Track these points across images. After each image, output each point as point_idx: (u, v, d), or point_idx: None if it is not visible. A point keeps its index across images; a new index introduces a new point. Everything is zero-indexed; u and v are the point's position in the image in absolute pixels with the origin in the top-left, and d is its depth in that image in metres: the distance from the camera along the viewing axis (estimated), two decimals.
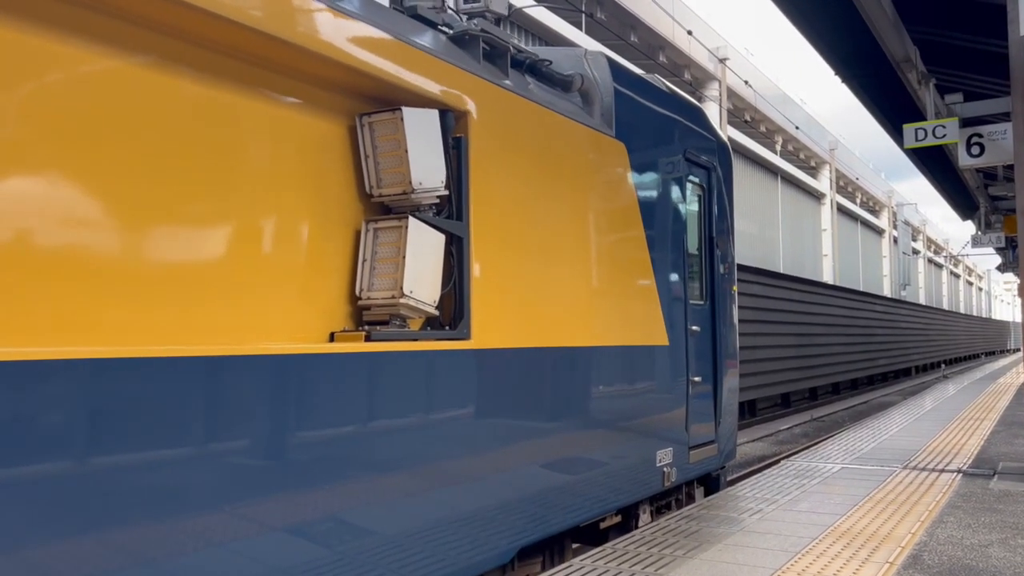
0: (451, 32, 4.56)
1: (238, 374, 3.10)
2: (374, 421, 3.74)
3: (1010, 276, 45.55)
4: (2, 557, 2.40)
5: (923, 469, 7.93)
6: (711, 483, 7.43)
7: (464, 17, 4.39)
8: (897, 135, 12.38)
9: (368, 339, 3.72)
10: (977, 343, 55.66)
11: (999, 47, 9.03)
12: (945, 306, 67.87)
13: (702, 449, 6.92)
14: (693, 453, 6.74)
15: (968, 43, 10.90)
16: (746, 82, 30.24)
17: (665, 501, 6.70)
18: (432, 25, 4.48)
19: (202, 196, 3.19)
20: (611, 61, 5.97)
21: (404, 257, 3.85)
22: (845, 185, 49.29)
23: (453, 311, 4.28)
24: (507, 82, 4.77)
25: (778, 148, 38.23)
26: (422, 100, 4.07)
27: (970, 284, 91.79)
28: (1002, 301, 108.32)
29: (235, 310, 3.31)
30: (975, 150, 9.63)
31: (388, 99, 4.01)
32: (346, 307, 3.92)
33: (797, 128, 37.02)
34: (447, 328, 4.27)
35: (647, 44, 26.38)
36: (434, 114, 4.12)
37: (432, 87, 4.10)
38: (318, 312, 3.75)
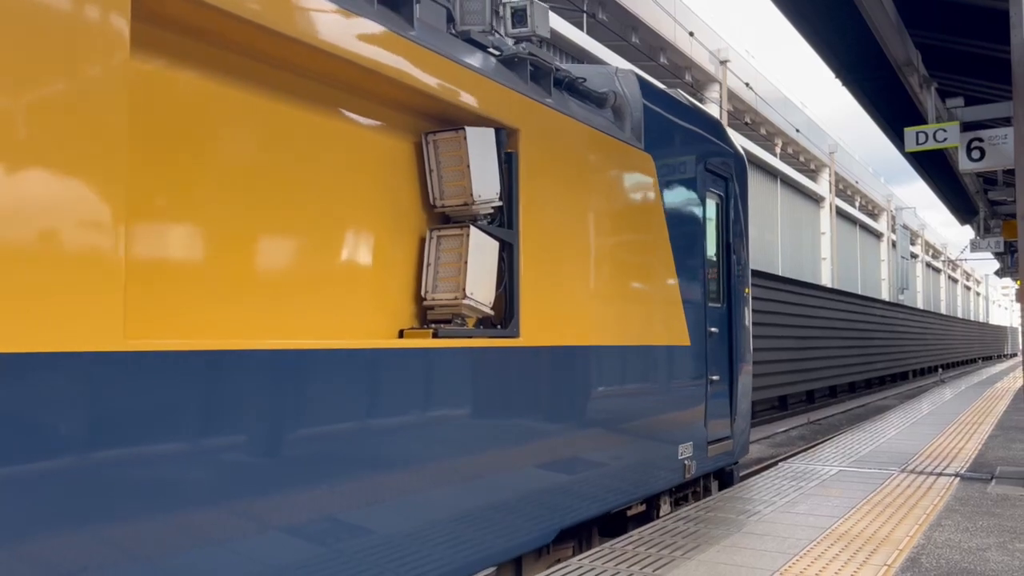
0: (501, 55, 4.94)
1: (325, 366, 3.51)
2: (439, 410, 4.16)
3: (1008, 281, 45.61)
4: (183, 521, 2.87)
5: (921, 473, 7.93)
6: (725, 477, 7.75)
7: (512, 41, 4.62)
8: (897, 139, 12.39)
9: (435, 336, 4.16)
10: (974, 348, 55.72)
11: (1001, 52, 9.03)
12: (943, 310, 67.95)
13: (719, 444, 7.28)
14: (711, 448, 7.10)
15: (970, 47, 10.90)
16: (747, 84, 30.26)
17: (683, 493, 7.02)
18: (483, 48, 4.82)
19: (296, 210, 3.66)
20: (640, 78, 6.38)
21: (466, 262, 4.28)
22: (844, 188, 49.35)
23: (504, 311, 4.69)
24: (550, 100, 5.15)
25: (778, 151, 38.26)
26: (479, 119, 4.50)
27: (968, 289, 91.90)
28: (999, 306, 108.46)
29: (319, 310, 3.76)
30: (975, 154, 9.64)
31: (449, 118, 4.42)
32: (412, 307, 4.34)
33: (797, 131, 37.06)
34: (498, 327, 4.68)
35: (648, 45, 26.38)
36: (491, 132, 4.53)
37: (488, 107, 4.52)
38: (388, 311, 4.19)
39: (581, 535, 5.70)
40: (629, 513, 6.17)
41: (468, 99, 4.37)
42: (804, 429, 18.29)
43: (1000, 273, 31.25)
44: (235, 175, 3.40)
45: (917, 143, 9.43)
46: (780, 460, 9.34)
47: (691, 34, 25.95)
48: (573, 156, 5.28)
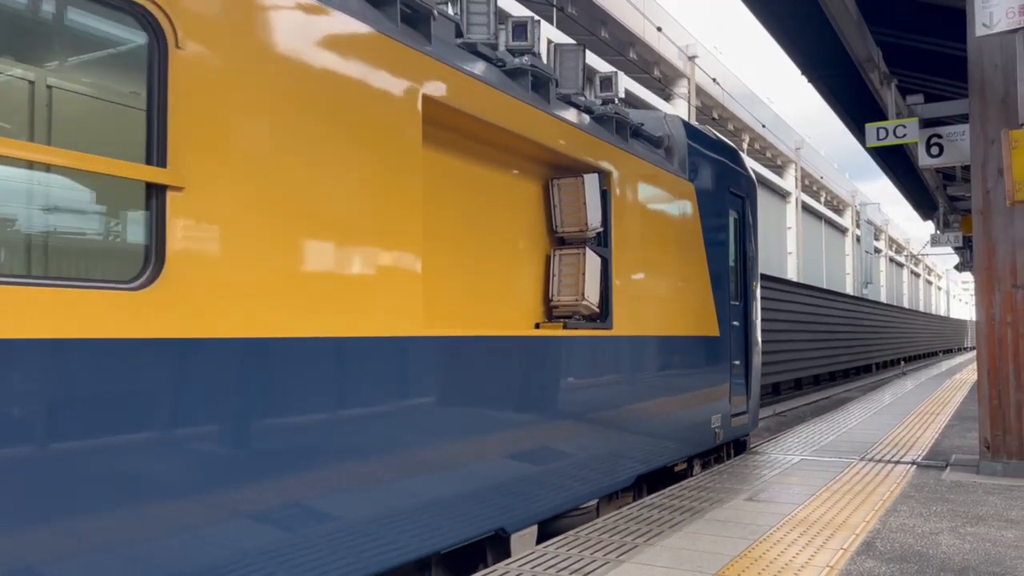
0: (594, 114, 6.35)
1: (494, 348, 4.96)
2: (566, 380, 5.73)
3: (967, 275, 46.59)
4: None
5: (879, 461, 8.12)
6: (739, 446, 9.21)
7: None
8: (860, 134, 12.61)
9: (564, 327, 5.71)
10: (935, 341, 56.80)
11: (958, 50, 9.24)
12: (905, 304, 69.21)
13: (739, 418, 8.84)
14: (733, 420, 8.63)
15: (929, 45, 11.13)
16: (714, 80, 30.52)
17: (709, 457, 8.43)
18: (588, 111, 6.31)
19: (486, 235, 5.28)
20: (684, 121, 8.10)
21: (583, 274, 5.80)
22: (810, 184, 50.02)
23: (602, 309, 6.12)
24: (627, 146, 6.63)
25: (745, 146, 38.66)
26: (588, 167, 5.97)
27: (929, 283, 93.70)
28: (960, 300, 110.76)
29: (498, 307, 5.36)
30: (934, 150, 9.84)
31: (568, 167, 5.91)
32: (540, 306, 5.87)
33: (764, 127, 37.47)
34: (598, 321, 6.09)
35: (617, 40, 26.51)
36: (596, 177, 6.00)
37: (593, 158, 6.00)
38: (527, 310, 5.74)
39: (639, 486, 7.01)
40: (677, 469, 7.65)
41: (583, 154, 5.89)
42: (769, 421, 18.55)
43: (960, 268, 31.91)
44: (462, 215, 5.03)
45: (878, 139, 9.61)
46: (745, 451, 9.51)
47: (659, 29, 26.12)
48: (643, 188, 6.82)
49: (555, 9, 21.14)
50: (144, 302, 2.84)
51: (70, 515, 2.65)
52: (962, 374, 25.04)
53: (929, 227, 24.83)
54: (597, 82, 6.69)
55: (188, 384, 3.02)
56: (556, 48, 6.11)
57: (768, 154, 42.29)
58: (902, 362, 38.86)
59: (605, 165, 6.13)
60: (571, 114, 5.94)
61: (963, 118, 9.25)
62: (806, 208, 47.61)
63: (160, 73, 2.96)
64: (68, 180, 2.95)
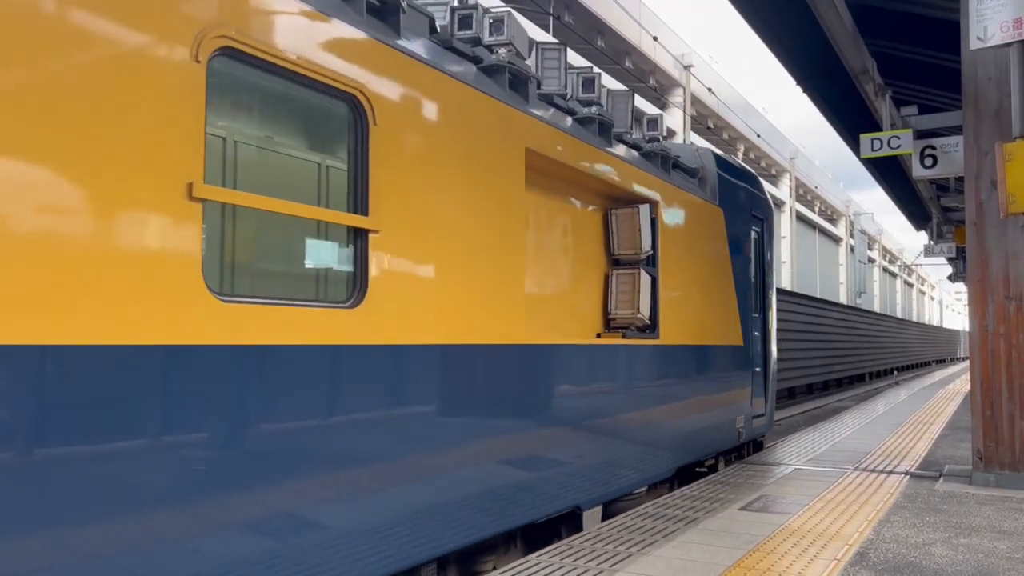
0: (642, 150, 7.34)
1: (566, 356, 5.88)
2: (624, 383, 6.72)
3: (960, 286, 46.75)
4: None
5: (873, 471, 8.13)
6: (756, 445, 10.12)
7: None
8: (855, 145, 12.66)
9: (623, 337, 6.70)
10: (928, 351, 56.94)
11: (952, 62, 9.30)
12: (898, 314, 69.39)
13: (758, 419, 9.76)
14: (754, 421, 9.55)
15: (923, 57, 11.20)
16: (709, 89, 30.63)
17: (728, 456, 9.27)
18: (636, 148, 7.29)
19: (553, 258, 6.17)
20: (714, 153, 9.17)
21: (638, 291, 6.70)
22: (804, 194, 50.18)
23: (650, 321, 7.02)
24: (670, 178, 7.63)
25: (740, 155, 38.79)
26: (640, 199, 6.94)
27: (923, 293, 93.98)
28: (953, 310, 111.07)
29: (567, 320, 6.31)
30: (928, 161, 9.89)
31: (624, 199, 6.90)
32: (599, 319, 6.74)
33: (758, 136, 37.60)
34: (647, 332, 7.01)
35: (613, 49, 26.60)
36: (648, 207, 6.95)
37: (646, 192, 7.01)
38: (589, 322, 6.62)
39: (672, 480, 7.84)
40: (707, 463, 8.63)
41: (639, 188, 6.89)
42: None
43: (953, 278, 32.01)
44: (540, 241, 5.95)
45: (872, 149, 9.65)
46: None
47: (655, 38, 26.22)
48: (684, 215, 7.77)
49: (552, 18, 21.21)
50: (355, 317, 3.84)
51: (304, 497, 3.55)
52: (955, 384, 25.10)
53: (922, 237, 24.94)
54: (645, 122, 7.75)
55: (382, 380, 4.08)
56: (609, 93, 7.06)
57: (763, 163, 42.43)
58: (895, 372, 38.92)
59: (654, 196, 7.14)
60: (626, 152, 6.97)
61: (957, 130, 9.30)
62: (800, 217, 47.76)
63: (363, 142, 3.96)
64: (305, 227, 3.90)
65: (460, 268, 4.62)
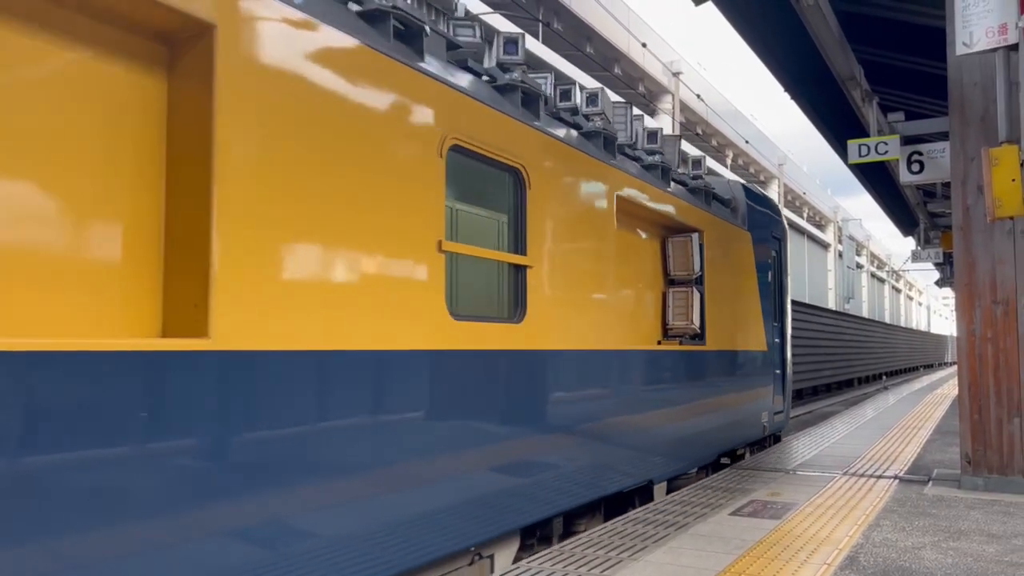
0: (688, 187, 8.55)
1: (651, 359, 7.36)
2: (682, 381, 7.93)
3: (948, 291, 47.02)
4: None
5: (862, 475, 8.15)
6: (775, 438, 11.41)
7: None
8: (843, 151, 12.73)
9: (680, 344, 8.10)
10: (916, 356, 57.22)
11: (938, 69, 9.37)
12: (887, 320, 69.72)
13: (778, 415, 11.19)
14: (775, 417, 10.98)
15: (909, 64, 11.28)
16: (698, 96, 30.75)
17: (753, 446, 10.56)
18: (683, 184, 8.54)
19: (624, 279, 7.22)
20: (742, 184, 10.67)
21: (692, 306, 8.10)
22: (793, 200, 50.43)
23: (700, 330, 8.32)
24: (711, 209, 8.95)
25: (728, 162, 38.95)
26: (690, 228, 8.23)
27: (910, 298, 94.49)
28: (940, 315, 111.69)
29: (630, 329, 7.45)
30: (915, 167, 9.96)
31: (678, 229, 8.20)
32: (658, 329, 8.13)
33: (747, 143, 37.77)
34: (697, 339, 8.34)
35: (603, 56, 26.68)
36: (697, 235, 8.21)
37: (695, 223, 8.31)
38: (651, 332, 7.98)
39: (708, 467, 9.19)
40: (738, 452, 10.02)
41: (689, 220, 8.21)
42: None
43: (940, 283, 32.17)
44: (626, 268, 7.24)
45: (860, 155, 9.71)
46: (727, 465, 9.51)
47: (644, 45, 26.33)
48: (721, 239, 9.08)
49: (541, 24, 21.26)
50: (519, 330, 5.28)
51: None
52: (943, 389, 25.23)
53: (910, 243, 25.10)
54: (690, 162, 9.04)
55: (539, 375, 5.54)
56: (663, 138, 8.16)
57: (751, 170, 42.62)
58: (884, 377, 39.09)
59: (700, 226, 8.44)
60: (679, 190, 8.26)
61: (943, 135, 9.37)
62: (789, 223, 47.89)
63: (521, 201, 5.45)
64: (493, 266, 5.38)
65: (581, 291, 6.08)
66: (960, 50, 4.54)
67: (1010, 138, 4.33)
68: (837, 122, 13.90)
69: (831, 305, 53.30)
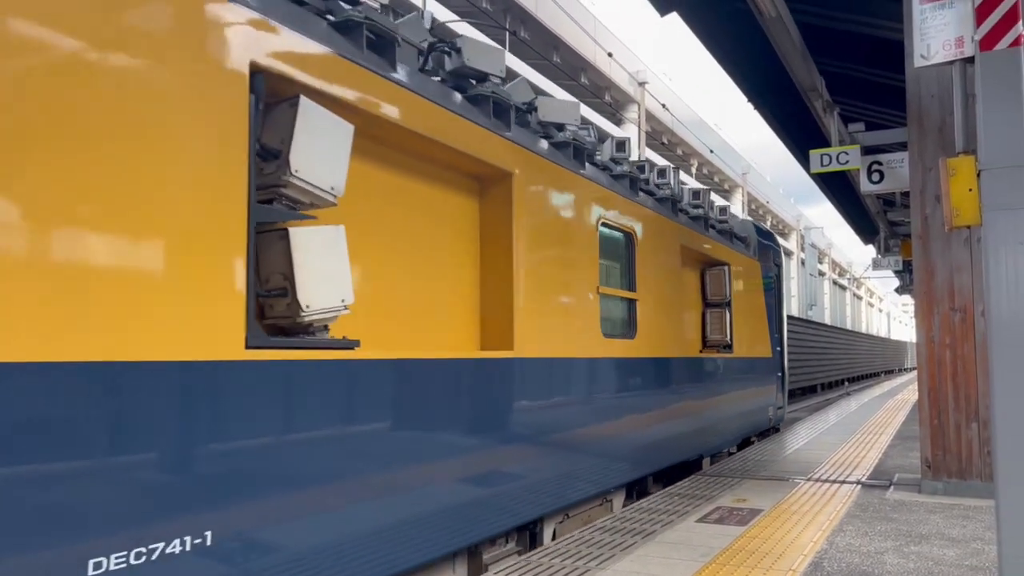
0: (716, 229, 10.75)
1: (708, 363, 10.09)
2: (718, 380, 10.25)
3: (907, 298, 47.88)
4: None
5: (826, 481, 8.25)
6: (775, 429, 14.01)
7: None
8: (804, 160, 12.93)
9: (718, 352, 10.45)
10: (877, 362, 58.15)
11: (897, 80, 9.55)
12: (848, 326, 70.81)
13: (779, 410, 13.92)
14: (777, 411, 13.68)
15: (869, 75, 11.49)
16: (664, 106, 31.04)
17: (761, 435, 13.24)
18: (712, 226, 10.71)
19: (673, 301, 8.93)
20: (752, 222, 13.18)
21: (725, 324, 10.43)
22: (756, 208, 51.09)
23: (729, 342, 10.70)
24: (733, 245, 11.25)
25: (693, 171, 39.34)
26: (721, 262, 10.51)
27: (871, 305, 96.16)
28: (900, 322, 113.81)
29: (678, 341, 9.09)
30: (875, 177, 10.14)
31: (713, 262, 10.46)
32: (698, 341, 10.22)
33: (712, 152, 38.19)
34: (727, 349, 10.72)
35: (569, 65, 26.80)
36: (727, 267, 10.58)
37: (724, 257, 10.56)
38: (696, 343, 10.12)
39: (720, 453, 11.04)
40: (752, 439, 12.74)
41: (720, 256, 10.51)
42: None
43: (900, 290, 32.76)
44: (684, 295, 9.52)
45: (822, 165, 9.86)
46: (694, 472, 9.57)
47: (610, 55, 26.51)
48: (741, 269, 11.55)
49: (508, 33, 21.32)
50: (633, 344, 7.60)
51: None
52: (903, 394, 25.67)
53: (870, 251, 25.55)
54: (717, 210, 11.11)
55: (648, 376, 7.95)
56: (703, 193, 10.31)
57: (716, 179, 43.10)
58: (846, 383, 39.64)
59: (728, 260, 10.85)
60: (713, 233, 10.60)
61: (902, 146, 9.54)
62: None
63: (632, 254, 7.78)
64: (618, 301, 7.67)
65: (666, 315, 8.61)
66: (918, 62, 4.63)
67: (967, 149, 4.42)
68: (799, 132, 14.10)
69: (794, 312, 53.99)
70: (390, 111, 4.46)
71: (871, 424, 14.78)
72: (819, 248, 61.10)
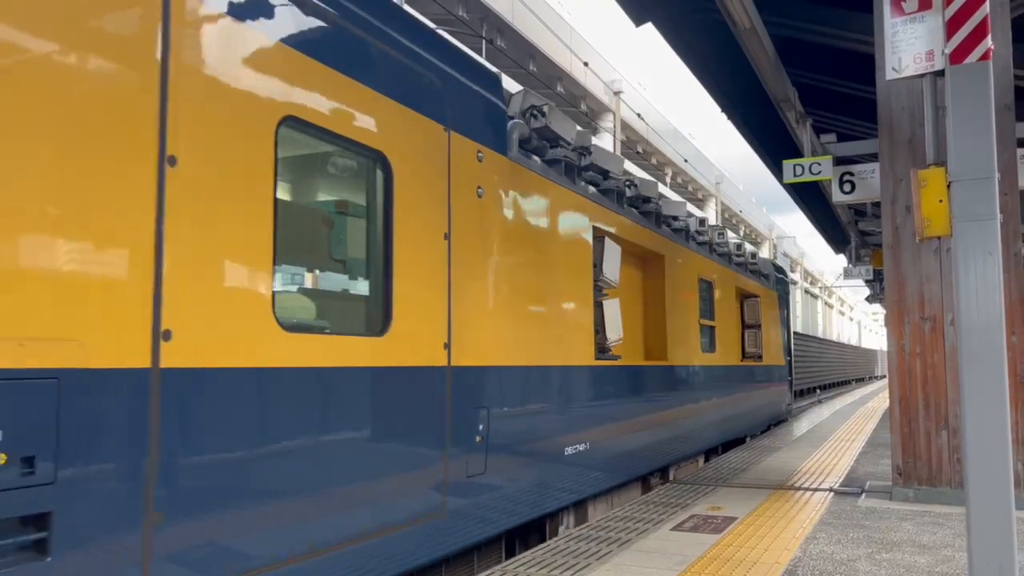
0: (751, 269, 14.51)
1: (746, 370, 14.14)
2: (754, 381, 14.55)
3: (877, 307, 48.49)
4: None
5: (799, 488, 8.31)
6: (783, 421, 17.72)
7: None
8: (777, 171, 13.07)
9: (754, 360, 14.54)
10: (849, 370, 58.74)
11: (868, 93, 9.69)
12: (820, 335, 71.56)
13: (789, 405, 18.12)
14: (788, 406, 17.87)
15: (841, 87, 11.65)
16: (639, 115, 31.24)
17: (777, 423, 17.01)
18: (743, 266, 14.18)
19: (722, 322, 12.61)
20: (770, 260, 16.99)
21: (758, 340, 14.51)
22: (730, 218, 51.51)
23: (760, 352, 14.79)
24: (759, 280, 15.01)
25: (667, 180, 39.61)
26: (754, 294, 14.58)
27: (842, 314, 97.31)
28: (870, 331, 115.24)
29: (731, 353, 13.24)
30: (847, 187, 10.27)
31: (749, 295, 14.43)
32: (739, 351, 13.77)
33: (686, 161, 38.48)
34: (759, 358, 14.71)
35: (545, 74, 26.89)
36: (758, 298, 14.62)
37: (756, 290, 14.63)
38: (736, 353, 13.46)
39: (743, 441, 14.31)
40: (773, 426, 16.42)
41: (754, 290, 14.49)
42: None
43: (870, 299, 33.17)
44: (731, 319, 13.33)
45: (794, 175, 9.97)
46: (667, 481, 9.59)
47: (586, 64, 26.64)
48: (766, 298, 15.24)
49: (484, 42, 21.36)
50: (711, 356, 11.80)
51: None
52: (874, 402, 25.96)
53: (842, 260, 25.92)
54: (749, 255, 14.38)
55: (724, 379, 12.53)
56: (742, 244, 13.94)
57: (690, 188, 43.43)
58: (818, 391, 40.02)
59: (758, 293, 14.64)
60: (749, 273, 14.18)
61: (873, 157, 9.67)
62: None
63: (712, 295, 11.93)
64: (704, 329, 11.70)
65: (728, 335, 12.40)
66: (890, 75, 4.70)
67: (937, 161, 4.49)
68: (772, 142, 14.27)
69: None
70: (629, 234, 8.50)
71: (842, 431, 14.93)
72: (791, 257, 61.74)
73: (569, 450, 6.52)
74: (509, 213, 5.76)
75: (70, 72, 2.90)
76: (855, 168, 10.35)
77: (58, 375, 2.80)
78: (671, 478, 9.95)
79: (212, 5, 3.50)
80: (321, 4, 4.14)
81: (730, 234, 13.98)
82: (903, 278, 7.63)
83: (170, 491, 3.18)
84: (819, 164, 9.91)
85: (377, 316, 4.49)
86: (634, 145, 34.65)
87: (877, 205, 13.45)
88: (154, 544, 3.10)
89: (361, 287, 4.69)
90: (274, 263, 3.72)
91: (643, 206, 9.18)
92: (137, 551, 3.04)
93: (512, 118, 6.12)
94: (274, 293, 3.71)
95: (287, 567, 3.68)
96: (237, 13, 3.64)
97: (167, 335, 3.19)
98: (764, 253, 59.20)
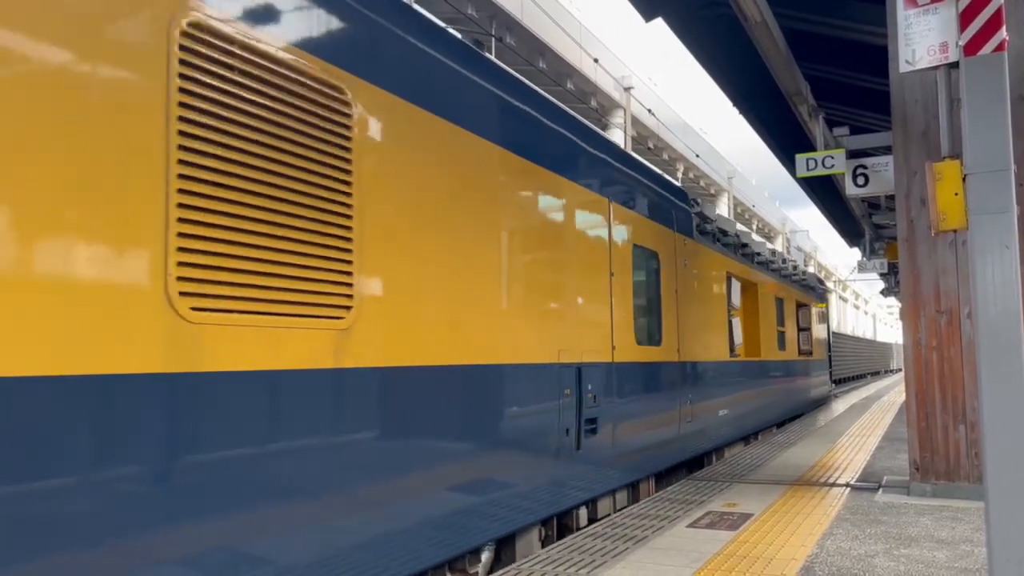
0: (802, 280, 18.82)
1: (805, 364, 18.82)
2: (805, 372, 18.81)
3: (892, 300, 48.16)
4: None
5: (815, 484, 8.27)
6: (826, 402, 22.73)
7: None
8: (790, 164, 12.99)
9: (808, 357, 19.19)
10: (864, 363, 58.34)
11: (881, 85, 9.62)
12: (834, 328, 71.03)
13: (830, 389, 23.98)
14: (829, 390, 23.69)
15: (854, 80, 11.57)
16: (649, 111, 31.13)
17: (820, 406, 21.45)
18: (782, 275, 16.76)
19: (795, 328, 17.90)
20: (815, 275, 21.95)
21: (811, 339, 19.57)
22: (742, 212, 51.28)
23: (811, 349, 19.56)
24: (807, 291, 19.32)
25: (679, 175, 39.47)
26: (807, 303, 19.18)
27: (857, 308, 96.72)
28: (885, 324, 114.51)
29: (794, 349, 17.62)
30: (860, 180, 10.18)
31: (802, 304, 18.57)
32: (797, 348, 17.69)
33: (698, 156, 38.34)
34: (810, 354, 19.53)
35: (555, 71, 26.84)
36: (810, 307, 19.79)
37: (807, 300, 19.20)
38: (794, 349, 17.37)
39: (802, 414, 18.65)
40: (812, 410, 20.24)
41: (807, 300, 19.04)
42: None
43: (885, 293, 32.94)
44: (795, 324, 18.06)
45: (807, 169, 9.90)
46: (683, 478, 9.58)
47: (596, 60, 26.58)
48: (814, 307, 20.16)
49: (494, 39, 21.35)
50: (784, 352, 16.43)
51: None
52: (890, 396, 25.80)
53: (856, 254, 26.02)
54: (801, 272, 17.00)
55: (789, 369, 16.81)
56: (797, 265, 16.91)
57: (702, 183, 43.26)
58: (832, 385, 39.79)
59: (809, 302, 18.83)
60: (801, 288, 17.83)
61: (887, 150, 9.60)
62: (739, 236, 48.63)
63: (782, 308, 16.22)
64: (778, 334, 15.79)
65: (793, 336, 16.72)
66: (903, 67, 4.66)
67: (952, 153, 4.45)
68: (784, 136, 14.17)
69: None
70: (740, 272, 11.97)
71: (858, 427, 14.84)
72: (804, 251, 61.41)
73: (721, 412, 11.04)
74: (696, 271, 10.03)
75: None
76: (868, 161, 10.27)
77: None
78: (758, 439, 14.00)
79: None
80: (648, 182, 8.94)
81: (787, 255, 17.27)
82: (919, 271, 7.57)
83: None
84: (832, 158, 9.83)
85: (656, 335, 8.68)
86: (645, 140, 34.54)
87: (891, 198, 13.30)
88: None
89: (654, 320, 8.73)
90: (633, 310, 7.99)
91: (743, 249, 12.96)
92: None
93: (690, 214, 10.04)
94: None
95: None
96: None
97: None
98: (777, 247, 59.00)
